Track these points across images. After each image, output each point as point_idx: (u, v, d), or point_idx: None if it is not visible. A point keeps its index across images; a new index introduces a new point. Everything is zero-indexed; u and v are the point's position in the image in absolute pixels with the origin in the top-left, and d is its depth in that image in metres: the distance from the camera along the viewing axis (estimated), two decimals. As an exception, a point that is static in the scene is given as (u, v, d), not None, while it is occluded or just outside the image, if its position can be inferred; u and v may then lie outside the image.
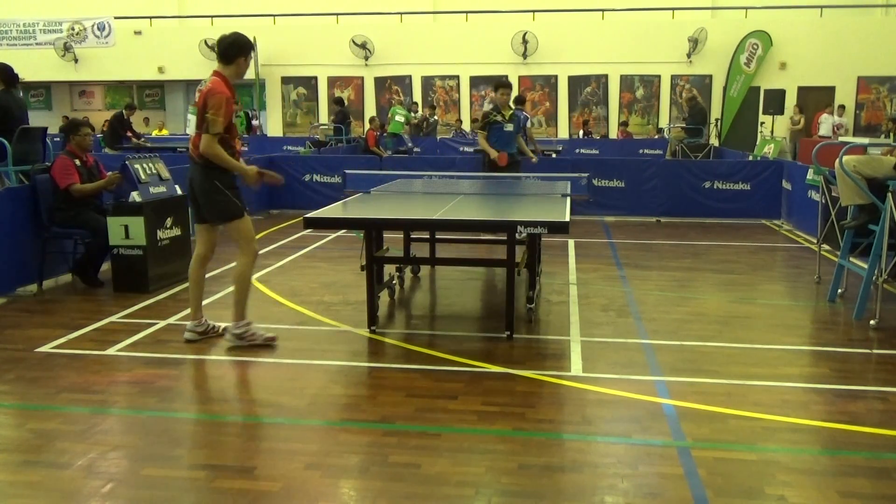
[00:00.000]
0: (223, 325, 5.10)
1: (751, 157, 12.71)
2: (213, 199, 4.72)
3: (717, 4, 19.99)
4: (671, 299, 6.22)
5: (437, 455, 3.37)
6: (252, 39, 4.88)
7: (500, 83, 8.32)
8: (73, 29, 20.59)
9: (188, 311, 5.11)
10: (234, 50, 4.65)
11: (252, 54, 4.82)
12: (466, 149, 15.86)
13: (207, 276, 5.21)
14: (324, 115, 20.21)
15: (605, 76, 19.83)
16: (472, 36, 19.95)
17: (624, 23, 19.32)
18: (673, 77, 19.68)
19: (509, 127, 8.13)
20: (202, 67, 19.62)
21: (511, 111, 8.28)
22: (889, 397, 4.08)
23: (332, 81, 20.78)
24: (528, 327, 5.33)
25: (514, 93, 7.94)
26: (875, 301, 5.44)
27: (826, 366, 4.66)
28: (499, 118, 8.09)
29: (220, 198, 4.70)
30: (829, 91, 18.77)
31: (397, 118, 16.13)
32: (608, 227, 10.06)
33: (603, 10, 19.50)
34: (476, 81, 20.38)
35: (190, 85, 22.38)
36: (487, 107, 17.81)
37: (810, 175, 8.71)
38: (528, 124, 12.73)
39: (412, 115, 17.75)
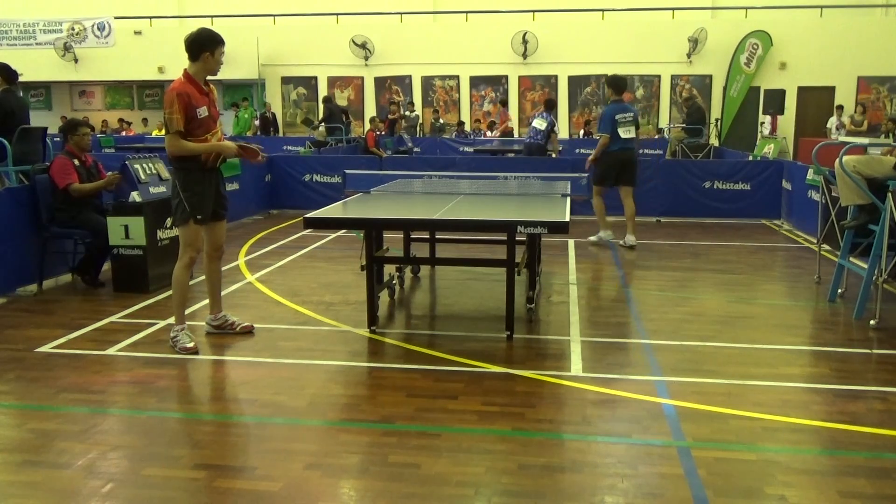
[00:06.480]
0: (235, 319, 5.19)
1: (751, 158, 12.70)
2: (174, 199, 4.78)
3: (717, 4, 19.99)
4: (671, 299, 6.22)
5: (437, 455, 3.37)
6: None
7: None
8: (73, 29, 20.58)
9: (188, 310, 5.11)
10: (196, 46, 4.62)
11: (221, 48, 4.67)
12: (467, 149, 15.85)
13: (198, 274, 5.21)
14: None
15: (605, 76, 19.75)
16: (472, 36, 19.95)
17: (624, 23, 19.31)
18: (673, 77, 19.68)
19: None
20: (202, 67, 19.60)
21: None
22: (889, 397, 4.08)
23: (332, 81, 20.77)
24: (528, 327, 5.33)
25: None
26: (875, 301, 5.44)
27: (826, 366, 4.66)
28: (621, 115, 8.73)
29: (176, 199, 4.75)
30: (830, 91, 18.77)
31: None
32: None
33: (603, 10, 19.50)
34: (476, 81, 20.37)
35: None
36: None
37: (810, 175, 8.71)
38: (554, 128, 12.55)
39: (415, 115, 17.76)
